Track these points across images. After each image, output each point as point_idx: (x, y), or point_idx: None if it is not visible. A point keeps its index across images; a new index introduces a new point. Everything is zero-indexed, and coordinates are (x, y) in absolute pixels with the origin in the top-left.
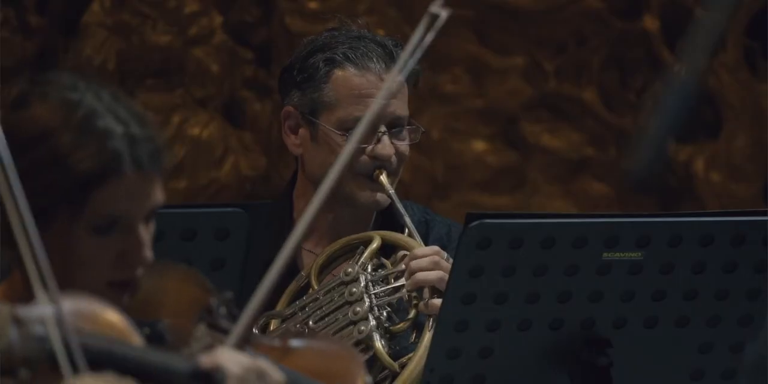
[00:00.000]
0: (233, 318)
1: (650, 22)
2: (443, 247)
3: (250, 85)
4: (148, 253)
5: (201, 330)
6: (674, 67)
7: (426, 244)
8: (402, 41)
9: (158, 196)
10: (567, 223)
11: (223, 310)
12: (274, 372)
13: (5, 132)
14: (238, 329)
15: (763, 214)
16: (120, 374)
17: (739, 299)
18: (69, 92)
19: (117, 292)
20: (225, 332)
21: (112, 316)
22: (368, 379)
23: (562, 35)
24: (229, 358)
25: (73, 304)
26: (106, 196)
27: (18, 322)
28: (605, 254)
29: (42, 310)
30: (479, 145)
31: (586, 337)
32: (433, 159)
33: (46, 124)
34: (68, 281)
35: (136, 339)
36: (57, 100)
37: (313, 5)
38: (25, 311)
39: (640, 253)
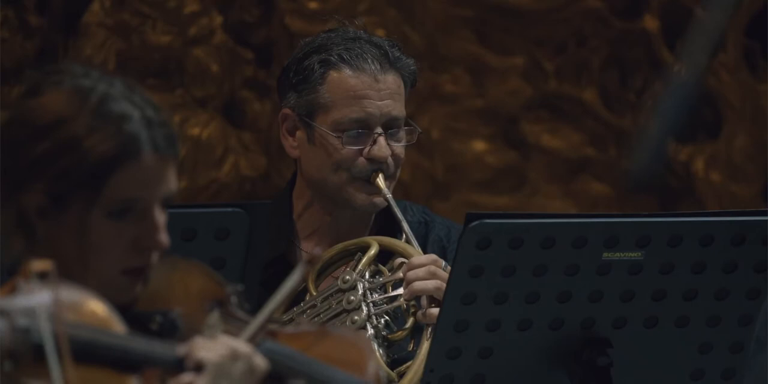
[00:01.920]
0: (244, 308)
1: (650, 22)
2: (443, 248)
3: (250, 85)
4: (164, 237)
5: (214, 317)
6: (674, 67)
7: (425, 246)
8: (400, 42)
9: (173, 181)
10: (567, 223)
11: (234, 300)
12: (255, 355)
13: (19, 120)
14: (253, 325)
15: (763, 214)
16: (104, 363)
17: (739, 299)
18: (82, 79)
19: (131, 279)
20: (238, 320)
21: (95, 305)
22: (382, 372)
23: (562, 35)
24: (203, 347)
25: (55, 294)
26: (123, 179)
27: (3, 313)
28: (605, 254)
29: (27, 301)
30: (479, 145)
31: (586, 337)
32: (433, 159)
33: (60, 111)
34: (83, 269)
35: (118, 327)
36: (70, 87)
37: (313, 5)
38: (10, 303)
39: (640, 253)
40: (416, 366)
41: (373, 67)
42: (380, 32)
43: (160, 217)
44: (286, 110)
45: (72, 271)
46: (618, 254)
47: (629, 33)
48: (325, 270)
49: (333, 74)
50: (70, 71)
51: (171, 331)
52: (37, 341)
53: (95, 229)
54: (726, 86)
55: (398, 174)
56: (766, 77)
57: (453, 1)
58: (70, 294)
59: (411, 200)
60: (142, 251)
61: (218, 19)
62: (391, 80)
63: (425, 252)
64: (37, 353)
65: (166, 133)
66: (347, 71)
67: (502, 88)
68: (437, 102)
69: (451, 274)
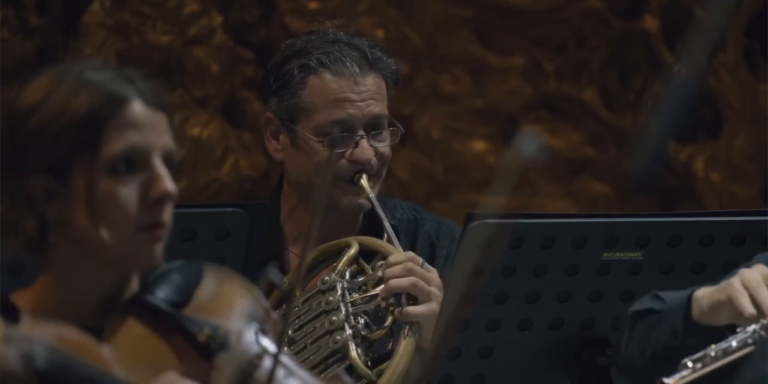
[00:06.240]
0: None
1: (650, 22)
2: (432, 245)
3: (250, 85)
4: (170, 185)
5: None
6: (674, 67)
7: (415, 243)
8: (400, 42)
9: (168, 137)
10: (567, 223)
11: (275, 326)
12: None
13: (12, 108)
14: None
15: (763, 214)
16: None
17: None
18: (64, 65)
19: (149, 237)
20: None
21: (92, 345)
22: None
23: (562, 35)
24: None
25: (55, 331)
26: (116, 131)
27: (8, 340)
28: (605, 254)
29: (29, 331)
30: (479, 145)
31: (586, 337)
32: (433, 159)
33: (45, 88)
34: (101, 238)
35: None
36: (53, 71)
37: (313, 5)
38: (14, 330)
39: (640, 253)
40: (394, 364)
41: (352, 70)
42: (380, 32)
43: (162, 167)
44: (269, 115)
45: (91, 244)
46: (618, 254)
47: (629, 33)
48: (311, 271)
49: (313, 79)
50: (54, 64)
51: (219, 347)
52: (41, 368)
53: (102, 191)
54: (726, 86)
55: (384, 173)
56: (766, 77)
57: (453, 1)
58: (69, 333)
59: (411, 200)
60: (152, 204)
61: (218, 19)
62: (371, 82)
63: (414, 249)
64: (41, 380)
65: (152, 87)
66: (327, 75)
67: (502, 88)
68: (437, 102)
69: (450, 274)
